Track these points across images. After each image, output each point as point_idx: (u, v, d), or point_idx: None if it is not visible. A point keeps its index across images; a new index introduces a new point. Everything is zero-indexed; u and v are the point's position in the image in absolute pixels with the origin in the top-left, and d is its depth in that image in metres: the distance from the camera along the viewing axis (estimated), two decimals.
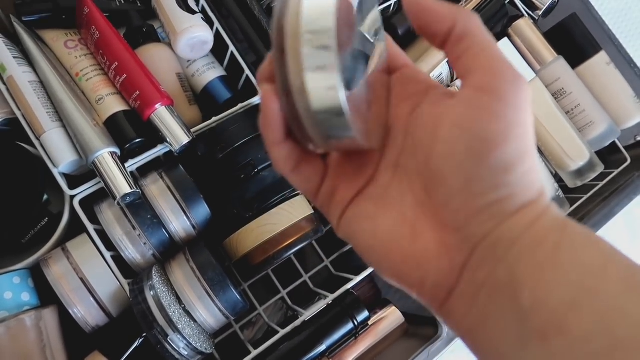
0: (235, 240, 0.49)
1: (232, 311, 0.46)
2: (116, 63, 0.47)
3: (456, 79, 0.66)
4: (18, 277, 0.46)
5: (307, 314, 0.52)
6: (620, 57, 0.68)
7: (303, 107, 0.20)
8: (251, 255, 0.49)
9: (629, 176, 0.65)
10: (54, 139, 0.45)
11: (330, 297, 0.53)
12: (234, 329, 0.54)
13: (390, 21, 0.65)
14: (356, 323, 0.53)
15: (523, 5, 0.69)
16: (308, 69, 0.19)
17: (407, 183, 0.24)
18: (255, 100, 0.53)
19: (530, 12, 0.70)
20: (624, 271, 0.19)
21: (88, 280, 0.46)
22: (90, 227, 0.47)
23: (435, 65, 0.63)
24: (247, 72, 0.54)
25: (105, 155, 0.45)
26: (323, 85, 0.19)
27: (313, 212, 0.52)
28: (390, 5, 0.66)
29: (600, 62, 0.66)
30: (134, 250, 0.47)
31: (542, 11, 0.70)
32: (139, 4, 0.57)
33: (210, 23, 0.55)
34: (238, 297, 0.46)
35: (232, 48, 0.55)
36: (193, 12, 0.54)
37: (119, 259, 0.47)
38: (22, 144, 0.48)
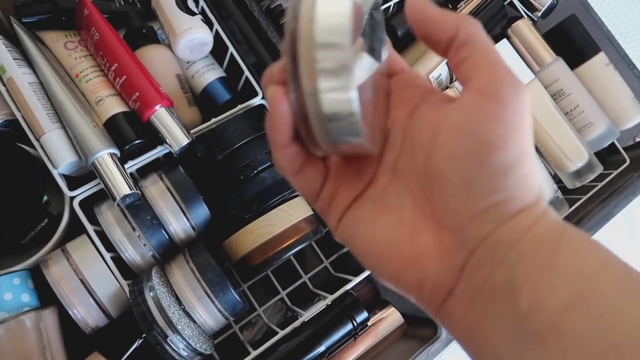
0: (235, 242, 0.49)
1: (231, 312, 0.47)
2: (116, 64, 0.48)
3: (455, 80, 0.66)
4: (18, 278, 0.46)
5: (307, 315, 0.52)
6: (620, 58, 0.68)
7: (314, 110, 0.20)
8: (250, 256, 0.49)
9: (628, 177, 0.65)
10: (53, 140, 0.46)
11: (330, 298, 0.53)
12: (234, 330, 0.54)
13: (390, 22, 0.65)
14: (355, 324, 0.53)
15: (522, 7, 0.69)
16: (321, 72, 0.19)
17: (406, 186, 0.24)
18: (255, 101, 0.53)
19: (530, 13, 0.70)
20: (621, 275, 0.19)
21: (88, 281, 0.46)
22: (90, 228, 0.47)
23: (435, 67, 0.63)
24: (247, 73, 0.54)
25: (105, 156, 0.45)
26: (336, 89, 0.19)
27: (312, 213, 0.52)
28: (389, 6, 0.66)
29: (599, 63, 0.67)
30: (134, 251, 0.47)
31: (541, 12, 0.70)
32: (139, 6, 0.57)
33: (209, 24, 0.55)
34: (237, 298, 0.46)
35: (231, 49, 0.55)
36: (193, 14, 0.54)
37: (118, 260, 0.47)
38: (22, 145, 0.48)
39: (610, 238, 0.71)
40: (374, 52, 0.23)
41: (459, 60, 0.22)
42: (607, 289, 0.19)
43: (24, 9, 0.50)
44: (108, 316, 0.47)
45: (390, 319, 0.58)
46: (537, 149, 0.65)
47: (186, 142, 0.47)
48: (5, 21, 0.51)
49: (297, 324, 0.51)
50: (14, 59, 0.47)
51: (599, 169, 0.65)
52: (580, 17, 0.68)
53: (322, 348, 0.52)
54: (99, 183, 0.46)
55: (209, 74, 0.56)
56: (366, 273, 0.54)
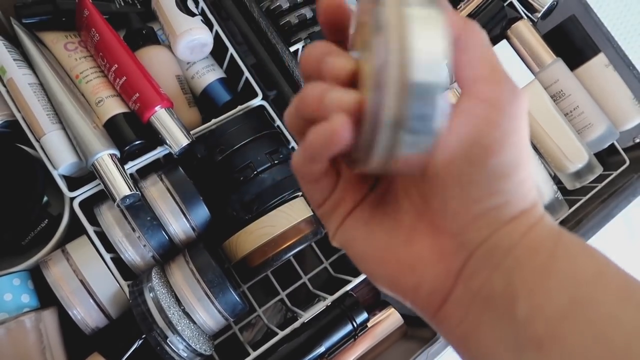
0: (235, 242, 0.49)
1: (231, 313, 0.47)
2: (116, 65, 0.48)
3: (454, 81, 0.66)
4: (18, 278, 0.46)
5: (306, 316, 0.52)
6: (619, 59, 0.68)
7: (395, 131, 0.19)
8: (250, 257, 0.49)
9: (628, 178, 0.65)
10: (53, 141, 0.46)
11: (330, 299, 0.53)
12: (234, 331, 0.54)
13: None
14: (355, 325, 0.53)
15: (522, 8, 0.69)
16: (416, 91, 0.18)
17: (404, 190, 0.24)
18: (255, 102, 0.53)
19: (529, 14, 0.70)
20: (618, 281, 0.19)
21: (88, 282, 0.46)
22: (90, 229, 0.47)
23: None
24: (247, 74, 0.54)
25: (104, 157, 0.45)
26: (426, 107, 0.19)
27: (312, 214, 0.52)
28: None
29: (599, 64, 0.67)
30: (134, 252, 0.47)
31: (540, 13, 0.70)
32: (139, 6, 0.57)
33: (209, 25, 0.55)
34: (237, 298, 0.46)
35: (231, 50, 0.55)
36: (192, 15, 0.54)
37: (118, 261, 0.47)
38: (22, 146, 0.48)
39: (610, 239, 0.71)
40: None
41: (460, 64, 0.22)
42: (604, 296, 0.19)
43: (24, 10, 0.50)
44: (108, 317, 0.47)
45: (390, 319, 0.58)
46: (537, 150, 0.65)
47: (186, 143, 0.47)
48: (5, 22, 0.51)
49: (297, 324, 0.51)
50: (14, 59, 0.47)
51: (599, 170, 0.65)
52: (580, 18, 0.68)
53: (322, 349, 0.52)
54: (99, 184, 0.46)
55: (209, 75, 0.56)
56: None
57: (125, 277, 0.47)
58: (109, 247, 0.47)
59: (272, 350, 0.50)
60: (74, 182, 0.48)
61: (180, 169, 0.50)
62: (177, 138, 0.47)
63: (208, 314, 0.45)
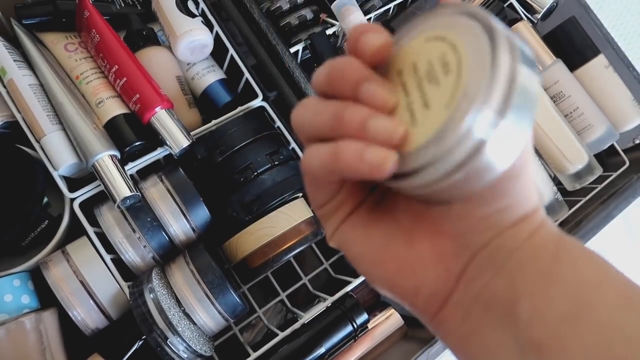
0: (235, 243, 0.49)
1: (231, 314, 0.47)
2: (116, 66, 0.48)
3: None
4: (18, 279, 0.46)
5: (307, 317, 0.52)
6: (619, 61, 0.68)
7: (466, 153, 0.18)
8: (250, 258, 0.49)
9: (628, 179, 0.65)
10: (54, 141, 0.46)
11: (330, 300, 0.53)
12: (234, 332, 0.54)
13: (390, 24, 0.65)
14: (355, 326, 0.53)
15: (522, 9, 0.69)
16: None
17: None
18: (255, 103, 0.54)
19: (529, 15, 0.70)
20: (620, 286, 0.19)
21: (88, 282, 0.46)
22: (90, 230, 0.47)
23: None
24: (247, 75, 0.54)
25: (105, 158, 0.45)
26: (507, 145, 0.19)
27: (312, 215, 0.52)
28: (389, 8, 0.66)
29: (598, 65, 0.67)
30: (134, 253, 0.47)
31: (540, 14, 0.70)
32: (139, 7, 0.57)
33: (210, 26, 0.55)
34: (237, 299, 0.46)
35: (231, 51, 0.55)
36: (193, 16, 0.54)
37: (118, 262, 0.47)
38: (23, 147, 0.48)
39: (610, 240, 0.71)
40: None
41: None
42: (606, 300, 0.19)
43: (25, 11, 0.50)
44: (108, 318, 0.47)
45: (390, 320, 0.58)
46: (537, 151, 0.65)
47: (186, 144, 0.47)
48: (5, 23, 0.51)
49: (297, 325, 0.51)
50: (14, 60, 0.47)
51: (599, 171, 0.65)
52: (579, 19, 0.68)
53: (322, 350, 0.52)
54: (99, 185, 0.46)
55: (209, 76, 0.56)
56: None
57: (125, 278, 0.47)
58: (109, 248, 0.47)
59: (272, 351, 0.50)
60: (74, 183, 0.48)
61: (181, 170, 0.50)
62: (177, 139, 0.47)
63: (208, 315, 0.45)
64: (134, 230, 0.47)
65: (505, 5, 0.68)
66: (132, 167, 0.49)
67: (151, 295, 0.44)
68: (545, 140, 0.64)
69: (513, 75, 0.18)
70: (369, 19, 0.63)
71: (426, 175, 0.19)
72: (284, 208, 0.50)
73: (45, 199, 0.50)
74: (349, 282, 0.53)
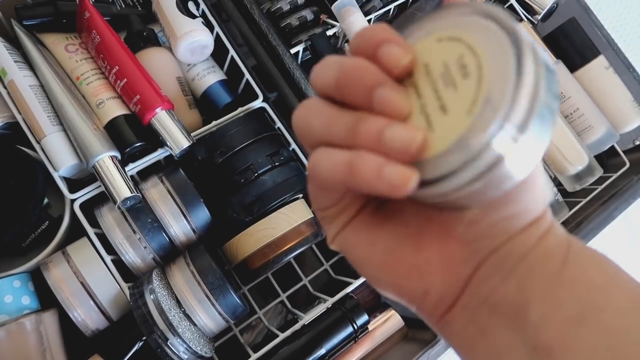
0: (235, 244, 0.49)
1: (231, 315, 0.47)
2: (116, 67, 0.48)
3: None
4: (18, 280, 0.46)
5: (307, 318, 0.52)
6: (619, 62, 0.68)
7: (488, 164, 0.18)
8: (251, 259, 0.49)
9: (628, 180, 0.65)
10: (54, 142, 0.46)
11: (330, 301, 0.53)
12: (234, 333, 0.54)
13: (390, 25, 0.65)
14: (356, 327, 0.53)
15: (522, 10, 0.69)
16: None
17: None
18: (256, 104, 0.54)
19: (529, 17, 0.70)
20: (628, 289, 0.19)
21: (88, 283, 0.46)
22: (90, 231, 0.47)
23: None
24: (247, 76, 0.54)
25: (105, 159, 0.45)
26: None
27: (312, 216, 0.52)
28: (389, 9, 0.66)
29: (598, 67, 0.67)
30: (134, 254, 0.47)
31: (541, 15, 0.70)
32: (140, 8, 0.57)
33: (210, 27, 0.55)
34: (238, 300, 0.46)
35: (232, 52, 0.55)
36: (193, 17, 0.54)
37: (119, 263, 0.47)
38: (23, 148, 0.48)
39: (610, 241, 0.71)
40: None
41: None
42: (615, 303, 0.19)
43: (25, 12, 0.50)
44: (108, 319, 0.47)
45: (390, 322, 0.58)
46: None
47: (187, 145, 0.47)
48: (6, 24, 0.51)
49: (297, 326, 0.51)
50: (15, 61, 0.47)
51: (599, 172, 0.65)
52: (580, 20, 0.68)
53: (322, 351, 0.52)
54: (100, 186, 0.46)
55: (209, 77, 0.56)
56: None
57: (125, 279, 0.47)
58: (110, 249, 0.47)
59: (272, 352, 0.50)
60: (74, 184, 0.48)
61: (181, 170, 0.50)
62: (177, 140, 0.47)
63: (208, 316, 0.45)
64: (134, 231, 0.47)
65: (505, 6, 0.68)
66: (133, 168, 0.49)
67: (151, 296, 0.44)
68: None
69: (538, 85, 0.17)
70: (369, 20, 0.63)
71: (446, 184, 0.18)
72: (284, 209, 0.50)
73: (46, 200, 0.50)
74: (349, 283, 0.53)
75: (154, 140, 0.49)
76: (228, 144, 0.50)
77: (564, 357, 0.18)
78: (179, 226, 0.48)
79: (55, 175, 0.46)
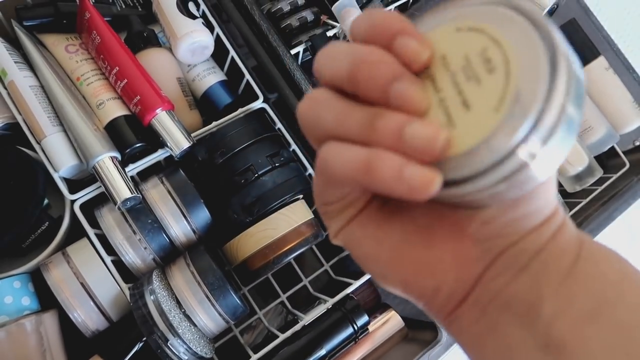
0: (235, 245, 0.49)
1: (232, 315, 0.47)
2: (117, 68, 0.48)
3: None
4: (18, 281, 0.46)
5: (307, 319, 0.52)
6: (619, 63, 0.68)
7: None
8: (251, 260, 0.49)
9: (628, 181, 0.65)
10: (54, 143, 0.46)
11: (330, 302, 0.53)
12: (234, 333, 0.54)
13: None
14: (356, 327, 0.53)
15: None
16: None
17: None
18: (256, 105, 0.53)
19: None
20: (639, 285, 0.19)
21: (88, 284, 0.46)
22: (90, 232, 0.47)
23: None
24: (248, 76, 0.54)
25: (105, 159, 0.45)
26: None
27: (313, 216, 0.52)
28: (390, 10, 0.66)
29: (599, 67, 0.67)
30: (134, 254, 0.47)
31: None
32: (140, 9, 0.57)
33: (210, 28, 0.55)
34: (238, 301, 0.46)
35: (232, 53, 0.55)
36: (194, 17, 0.54)
37: (119, 264, 0.47)
38: (23, 148, 0.48)
39: (610, 242, 0.71)
40: None
41: None
42: (628, 298, 0.19)
43: (25, 12, 0.50)
44: (108, 319, 0.47)
45: (390, 322, 0.58)
46: None
47: (187, 146, 0.47)
48: (6, 24, 0.51)
49: (297, 327, 0.51)
50: (15, 62, 0.47)
51: (599, 173, 0.65)
52: (580, 21, 0.68)
53: (322, 352, 0.52)
54: (100, 186, 0.46)
55: (209, 78, 0.56)
56: (367, 277, 0.53)
57: (125, 279, 0.47)
58: (110, 249, 0.47)
59: (272, 353, 0.50)
60: (74, 184, 0.48)
61: (181, 171, 0.50)
62: (178, 140, 0.47)
63: (209, 317, 0.45)
64: (134, 232, 0.47)
65: None
66: (133, 168, 0.49)
67: (152, 297, 0.44)
68: None
69: (570, 89, 0.16)
70: None
71: (469, 186, 0.17)
72: (284, 210, 0.50)
73: (46, 201, 0.50)
74: (349, 284, 0.53)
75: (154, 140, 0.49)
76: (228, 144, 0.50)
77: (576, 353, 0.18)
78: (179, 227, 0.48)
79: (56, 176, 0.46)
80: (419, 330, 0.57)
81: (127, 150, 0.47)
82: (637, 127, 0.68)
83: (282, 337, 0.50)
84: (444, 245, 0.21)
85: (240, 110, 0.53)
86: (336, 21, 0.62)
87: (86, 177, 0.50)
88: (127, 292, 0.46)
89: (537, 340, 0.19)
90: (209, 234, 0.50)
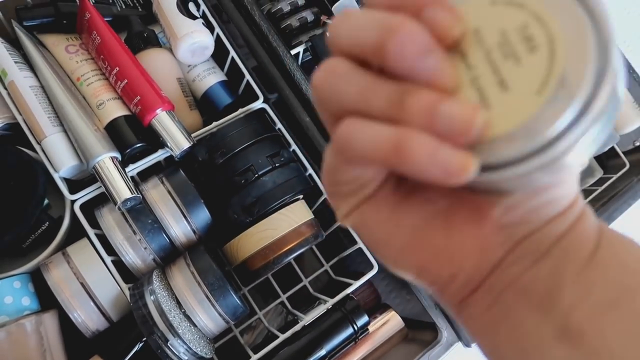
0: (236, 245, 0.49)
1: (232, 316, 0.47)
2: (117, 68, 0.48)
3: None
4: (18, 281, 0.46)
5: (307, 319, 0.52)
6: None
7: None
8: (251, 260, 0.49)
9: (628, 181, 0.65)
10: (54, 143, 0.46)
11: (330, 302, 0.53)
12: (234, 334, 0.54)
13: None
14: (356, 328, 0.53)
15: None
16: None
17: None
18: (256, 105, 0.54)
19: None
20: None
21: (88, 284, 0.46)
22: (90, 232, 0.47)
23: None
24: (248, 77, 0.54)
25: (106, 160, 0.45)
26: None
27: (313, 217, 0.52)
28: None
29: None
30: (135, 255, 0.47)
31: None
32: (140, 9, 0.57)
33: (210, 28, 0.55)
34: (238, 301, 0.46)
35: (232, 53, 0.55)
36: (194, 18, 0.54)
37: (119, 264, 0.47)
38: (23, 149, 0.48)
39: None
40: None
41: None
42: None
43: (26, 13, 0.50)
44: (108, 320, 0.47)
45: (391, 322, 0.58)
46: None
47: (187, 146, 0.47)
48: (6, 25, 0.51)
49: (297, 327, 0.51)
50: (15, 62, 0.47)
51: (599, 173, 0.65)
52: None
53: (322, 352, 0.52)
54: (100, 187, 0.46)
55: (209, 78, 0.56)
56: (367, 277, 0.53)
57: (126, 279, 0.47)
58: (110, 249, 0.47)
59: (272, 353, 0.50)
60: (75, 184, 0.48)
61: (182, 171, 0.50)
62: (178, 141, 0.47)
63: (209, 317, 0.45)
64: (134, 232, 0.47)
65: None
66: (133, 169, 0.49)
67: (152, 297, 0.44)
68: None
69: (617, 75, 0.15)
70: None
71: (505, 172, 0.16)
72: (284, 210, 0.50)
73: (46, 201, 0.50)
74: (349, 284, 0.53)
75: (155, 141, 0.49)
76: (228, 145, 0.50)
77: (594, 341, 0.18)
78: (179, 227, 0.48)
79: (56, 176, 0.46)
80: (419, 330, 0.57)
81: (127, 151, 0.47)
82: (637, 127, 0.68)
83: (282, 337, 0.50)
84: (464, 231, 0.20)
85: (240, 110, 0.53)
86: None
87: (86, 177, 0.50)
88: (127, 293, 0.46)
89: (553, 328, 0.19)
90: (209, 234, 0.50)
